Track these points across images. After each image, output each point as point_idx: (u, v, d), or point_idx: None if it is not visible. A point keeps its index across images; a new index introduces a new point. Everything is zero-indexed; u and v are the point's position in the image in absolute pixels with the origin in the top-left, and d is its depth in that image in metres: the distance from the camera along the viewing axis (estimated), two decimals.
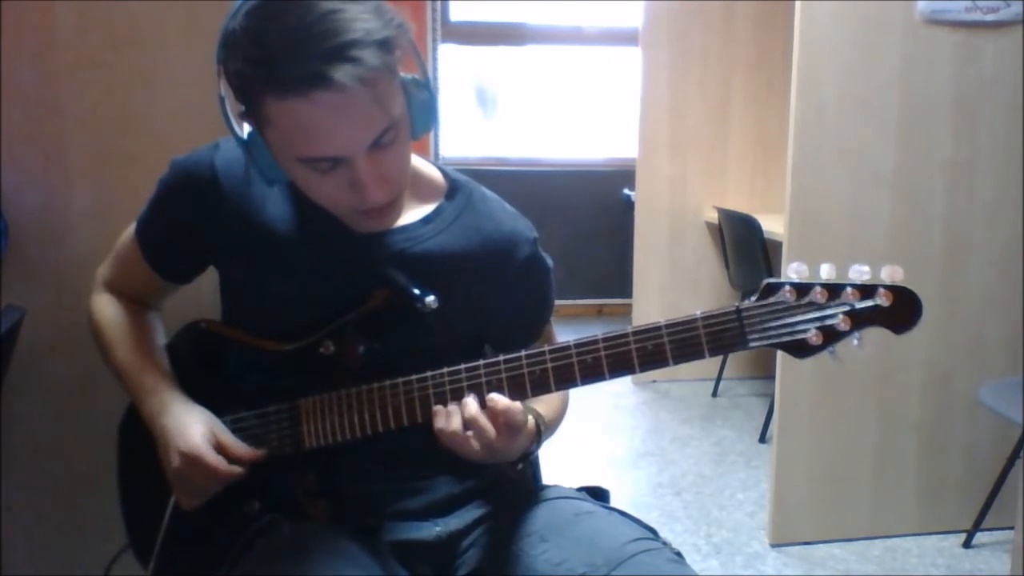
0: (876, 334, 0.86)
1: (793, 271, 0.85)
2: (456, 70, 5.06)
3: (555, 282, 1.13)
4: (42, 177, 1.39)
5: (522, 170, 4.99)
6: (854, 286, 0.84)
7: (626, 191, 4.54)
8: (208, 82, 0.93)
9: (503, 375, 0.91)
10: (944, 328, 2.17)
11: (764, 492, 2.55)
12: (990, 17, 2.05)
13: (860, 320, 0.84)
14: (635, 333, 0.88)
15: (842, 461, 2.23)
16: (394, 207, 0.97)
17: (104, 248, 1.17)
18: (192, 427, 0.96)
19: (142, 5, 1.37)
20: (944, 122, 2.10)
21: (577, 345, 0.89)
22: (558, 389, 0.91)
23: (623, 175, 4.52)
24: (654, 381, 3.76)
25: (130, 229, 1.13)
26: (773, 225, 2.88)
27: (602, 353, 0.88)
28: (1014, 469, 2.12)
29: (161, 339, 1.13)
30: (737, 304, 0.86)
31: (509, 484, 1.10)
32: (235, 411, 1.02)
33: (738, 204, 3.53)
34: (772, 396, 2.34)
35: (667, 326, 0.87)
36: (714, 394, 3.60)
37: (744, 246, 3.15)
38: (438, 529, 1.02)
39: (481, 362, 0.92)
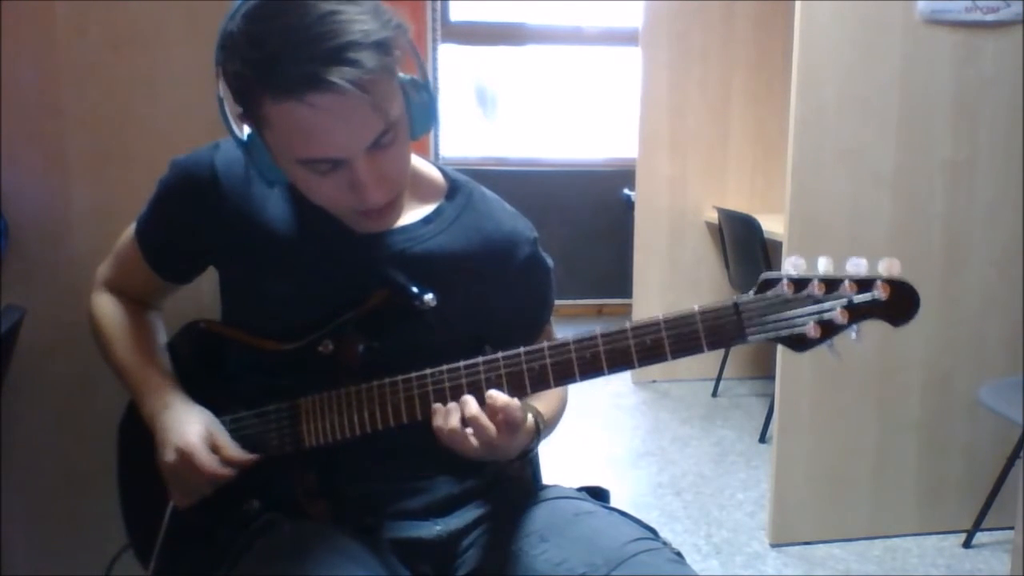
0: (876, 334, 0.86)
1: (791, 265, 0.85)
2: (456, 70, 5.06)
3: (555, 282, 1.14)
4: (42, 177, 1.40)
5: (522, 170, 4.99)
6: (852, 279, 0.84)
7: (626, 191, 4.54)
8: (208, 83, 0.93)
9: (502, 372, 0.91)
10: (944, 328, 2.17)
11: (764, 492, 2.55)
12: (990, 17, 2.05)
13: (858, 313, 0.84)
14: (633, 328, 0.88)
15: (842, 461, 2.23)
16: (394, 207, 0.97)
17: (104, 248, 1.18)
18: (190, 425, 0.97)
19: (142, 5, 1.37)
20: (944, 122, 2.10)
21: (576, 341, 0.90)
22: (557, 385, 0.91)
23: (623, 175, 4.52)
24: (654, 381, 3.76)
25: (130, 229, 1.13)
26: (773, 225, 2.88)
27: (600, 348, 0.88)
28: (1014, 469, 2.12)
29: (162, 338, 1.14)
30: (736, 298, 0.86)
31: (509, 484, 1.10)
32: (235, 411, 1.02)
33: (738, 204, 3.53)
34: (772, 396, 2.34)
35: (665, 321, 0.87)
36: (714, 394, 3.60)
37: (744, 246, 3.15)
38: (438, 528, 1.02)
39: (480, 359, 0.92)
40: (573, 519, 0.99)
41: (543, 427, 1.01)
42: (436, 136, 4.85)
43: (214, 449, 0.96)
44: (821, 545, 2.24)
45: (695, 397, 3.58)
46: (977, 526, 2.22)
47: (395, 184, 0.94)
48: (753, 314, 0.86)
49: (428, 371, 0.93)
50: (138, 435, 1.04)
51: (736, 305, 0.86)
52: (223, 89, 0.90)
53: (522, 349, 0.91)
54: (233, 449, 0.97)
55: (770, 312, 0.86)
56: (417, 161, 1.06)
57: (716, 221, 3.46)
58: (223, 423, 1.01)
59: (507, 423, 0.89)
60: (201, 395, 1.03)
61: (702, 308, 0.87)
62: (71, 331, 1.33)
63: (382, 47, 0.83)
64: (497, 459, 0.94)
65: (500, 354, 0.92)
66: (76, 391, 1.43)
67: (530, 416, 0.97)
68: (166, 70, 1.39)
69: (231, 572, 0.92)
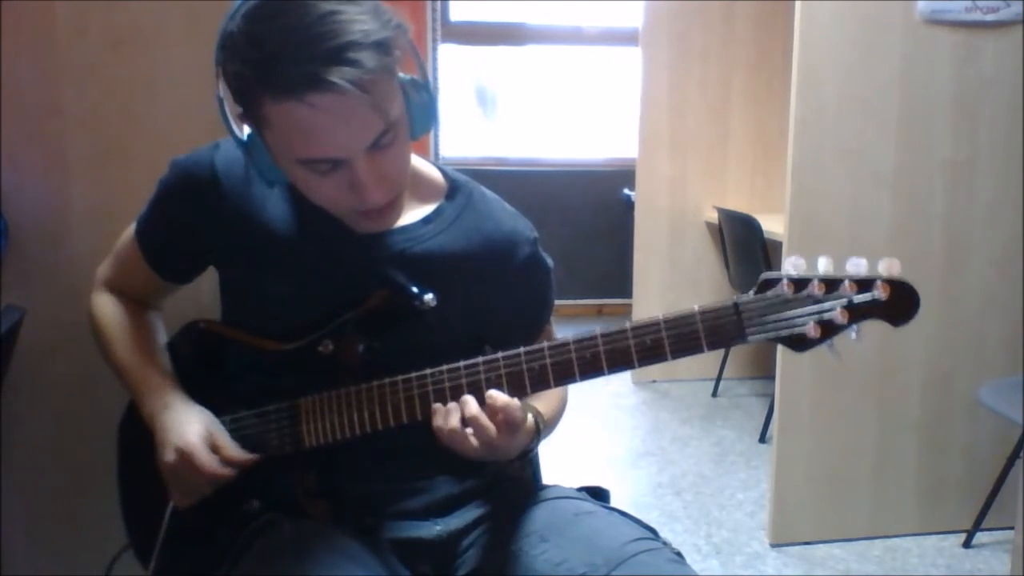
0: (876, 334, 0.86)
1: (791, 265, 0.85)
2: (456, 70, 5.06)
3: (555, 282, 1.14)
4: (42, 177, 1.40)
5: (522, 170, 4.99)
6: (851, 279, 0.84)
7: (626, 191, 4.54)
8: (208, 83, 0.93)
9: (502, 372, 0.91)
10: (944, 328, 2.17)
11: (764, 492, 2.55)
12: (990, 17, 2.05)
13: (858, 313, 0.84)
14: (633, 328, 0.88)
15: (842, 461, 2.23)
16: (394, 207, 0.97)
17: (104, 248, 1.18)
18: (190, 425, 0.97)
19: (142, 5, 1.37)
20: (944, 122, 2.10)
21: (576, 341, 0.89)
22: (557, 385, 0.91)
23: (623, 175, 4.52)
24: (654, 381, 3.76)
25: (130, 229, 1.13)
26: (773, 225, 2.88)
27: (600, 348, 0.88)
28: (1014, 469, 2.12)
29: (162, 338, 1.14)
30: (735, 298, 0.86)
31: (509, 484, 1.10)
32: (235, 410, 1.02)
33: (738, 204, 3.53)
34: (772, 396, 2.34)
35: (665, 321, 0.87)
36: (714, 394, 3.60)
37: (744, 246, 3.15)
38: (438, 528, 1.02)
39: (480, 359, 0.92)
40: (573, 519, 0.99)
41: (543, 427, 1.01)
42: (436, 136, 4.85)
43: (214, 449, 0.96)
44: (821, 545, 2.24)
45: (695, 397, 3.58)
46: (977, 526, 2.22)
47: (395, 184, 0.94)
48: (753, 314, 0.86)
49: (428, 371, 0.93)
50: (138, 435, 1.04)
51: (736, 305, 0.86)
52: (223, 89, 0.90)
53: (522, 349, 0.91)
54: (233, 449, 0.97)
55: (770, 312, 0.85)
56: (417, 161, 1.06)
57: (716, 221, 3.46)
58: (223, 423, 1.01)
59: (507, 423, 0.89)
60: (201, 395, 1.03)
61: (702, 308, 0.87)
62: (71, 331, 1.33)
63: (382, 47, 0.83)
64: (497, 459, 0.94)
65: (500, 354, 0.92)
66: (76, 391, 1.43)
67: (530, 416, 0.97)
68: (166, 70, 1.39)
69: (231, 572, 0.92)
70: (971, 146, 2.12)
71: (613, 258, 4.75)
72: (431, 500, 1.04)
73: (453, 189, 1.08)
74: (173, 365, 1.09)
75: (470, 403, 0.89)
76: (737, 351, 3.65)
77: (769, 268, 2.90)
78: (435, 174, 1.09)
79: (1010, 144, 2.12)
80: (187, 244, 1.08)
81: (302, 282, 1.02)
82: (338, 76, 0.80)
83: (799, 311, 0.85)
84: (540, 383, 0.90)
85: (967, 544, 2.22)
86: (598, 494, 1.08)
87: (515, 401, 0.89)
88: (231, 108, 0.92)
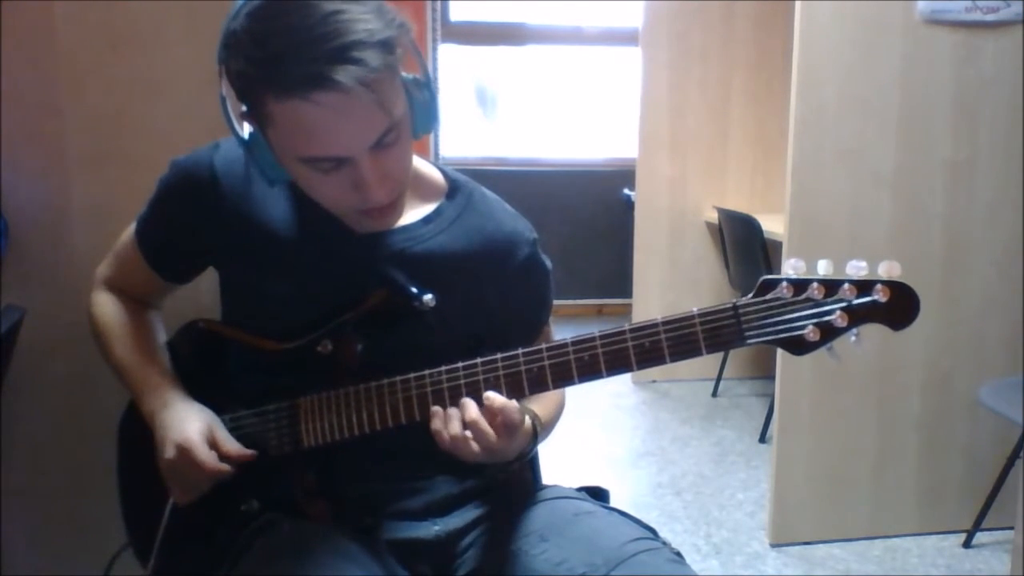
0: (876, 334, 0.86)
1: (791, 267, 0.85)
2: (456, 70, 5.06)
3: (554, 283, 1.14)
4: (42, 177, 1.40)
5: (522, 170, 4.99)
6: (851, 282, 0.84)
7: (626, 191, 4.54)
8: (208, 82, 0.93)
9: (500, 373, 0.91)
10: (944, 328, 2.17)
11: (764, 492, 2.55)
12: (990, 17, 2.05)
13: (857, 316, 0.84)
14: (632, 330, 0.88)
15: (842, 461, 2.23)
16: (395, 207, 0.97)
17: (104, 247, 1.18)
18: (189, 422, 0.97)
19: (142, 5, 1.37)
20: (944, 122, 2.10)
21: (574, 343, 0.89)
22: (556, 387, 0.91)
23: (623, 175, 4.52)
24: (654, 381, 3.76)
25: (130, 229, 1.13)
26: (773, 225, 2.88)
27: (599, 351, 0.88)
28: (1014, 469, 2.12)
29: (162, 337, 1.14)
30: (734, 301, 0.86)
31: (509, 484, 1.10)
32: (234, 410, 1.02)
33: (738, 204, 3.53)
34: (772, 396, 2.34)
35: (664, 323, 0.87)
36: (714, 394, 3.60)
37: (744, 246, 3.15)
38: (436, 529, 1.03)
39: (479, 360, 0.92)
40: (573, 519, 0.99)
41: (540, 430, 1.01)
42: (436, 136, 4.86)
43: (213, 445, 0.96)
44: (821, 545, 2.24)
45: (695, 397, 3.58)
46: (977, 526, 2.22)
47: (398, 183, 0.94)
48: (752, 317, 0.86)
49: (427, 372, 0.93)
50: (138, 434, 1.04)
51: (735, 308, 0.86)
52: (226, 88, 0.90)
53: (520, 350, 0.91)
54: (232, 445, 0.97)
55: (769, 315, 0.85)
56: (417, 161, 1.06)
57: (716, 221, 3.46)
58: (223, 422, 1.01)
59: (505, 425, 0.89)
60: (201, 394, 1.03)
61: (701, 311, 0.86)
62: (71, 331, 1.33)
63: (386, 46, 0.83)
64: (495, 462, 0.94)
65: (499, 355, 0.92)
66: (76, 391, 1.43)
67: (527, 419, 0.97)
68: (166, 70, 1.39)
69: (230, 572, 0.92)
70: (971, 146, 2.11)
71: (613, 258, 4.75)
72: (430, 500, 1.04)
73: (453, 189, 1.08)
74: (173, 364, 1.09)
75: (470, 407, 0.89)
76: (737, 351, 3.65)
77: (769, 268, 2.91)
78: (435, 174, 1.09)
79: (1010, 144, 2.12)
80: (187, 244, 1.08)
81: (302, 282, 1.02)
82: (343, 75, 0.80)
83: (798, 314, 0.85)
84: (538, 385, 0.90)
85: (967, 544, 2.22)
86: (598, 494, 1.08)
87: (513, 403, 0.89)
88: (233, 107, 0.93)
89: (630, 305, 3.85)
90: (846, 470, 2.24)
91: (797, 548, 2.23)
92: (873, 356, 2.17)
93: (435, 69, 4.85)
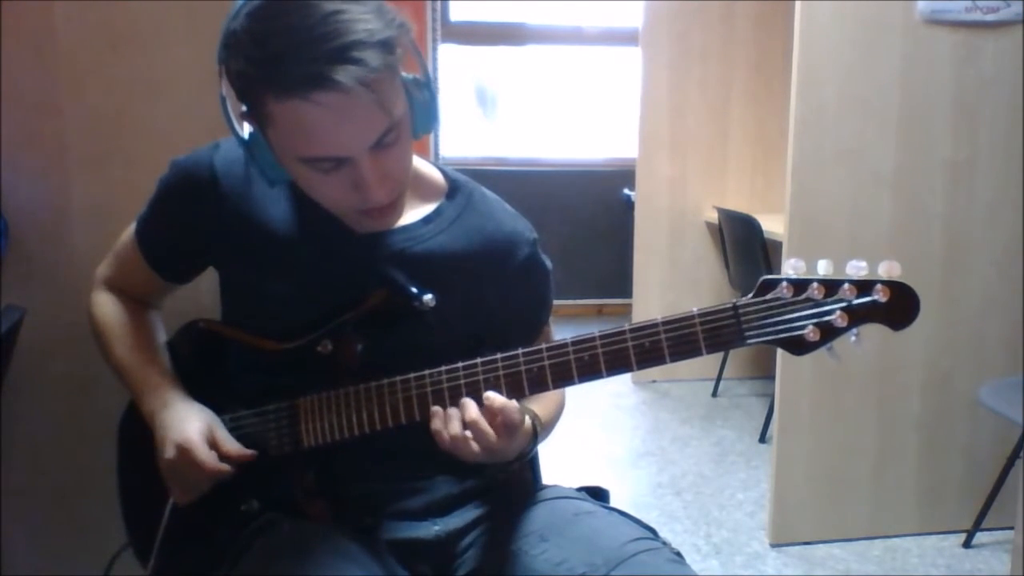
0: (876, 334, 0.86)
1: (790, 267, 0.85)
2: (456, 70, 5.06)
3: (554, 283, 1.14)
4: (42, 177, 1.40)
5: (522, 170, 4.99)
6: (851, 282, 0.84)
7: (626, 191, 4.54)
8: (208, 82, 0.93)
9: (500, 373, 0.91)
10: (944, 328, 2.17)
11: (764, 492, 2.55)
12: (990, 17, 2.05)
13: (857, 316, 0.84)
14: (632, 330, 0.88)
15: (842, 461, 2.23)
16: (396, 207, 0.97)
17: (104, 247, 1.18)
18: (189, 422, 0.97)
19: (142, 5, 1.37)
20: (944, 122, 2.10)
21: (574, 343, 0.89)
22: (556, 387, 0.91)
23: (623, 175, 4.52)
24: (654, 381, 3.76)
25: (130, 229, 1.13)
26: (773, 225, 2.88)
27: (599, 351, 0.88)
28: (1014, 469, 2.12)
29: (162, 337, 1.14)
30: (734, 301, 0.86)
31: (508, 484, 1.10)
32: (234, 410, 1.02)
33: (738, 204, 3.53)
34: (772, 396, 2.34)
35: (664, 323, 0.87)
36: (714, 394, 3.60)
37: (744, 246, 3.15)
38: (436, 528, 1.03)
39: (479, 360, 0.92)
40: (573, 519, 0.99)
41: (540, 430, 1.01)
42: (436, 136, 4.86)
43: (213, 445, 0.96)
44: (821, 545, 2.24)
45: (695, 397, 3.58)
46: (977, 526, 2.22)
47: (398, 183, 0.94)
48: (752, 317, 0.85)
49: (427, 372, 0.93)
50: (138, 434, 1.04)
51: (735, 308, 0.86)
52: (226, 88, 0.90)
53: (520, 350, 0.91)
54: (231, 445, 0.97)
55: (769, 315, 0.85)
56: (417, 161, 1.06)
57: (716, 221, 3.46)
58: (223, 422, 1.01)
59: (505, 425, 0.89)
60: (201, 394, 1.03)
61: (701, 311, 0.86)
62: (71, 331, 1.33)
63: (386, 46, 0.83)
64: (495, 462, 0.94)
65: (499, 355, 0.92)
66: (76, 391, 1.43)
67: (527, 419, 0.97)
68: (166, 70, 1.39)
69: (230, 572, 0.92)
70: (971, 146, 2.11)
71: (613, 258, 4.75)
72: (430, 500, 1.04)
73: (453, 189, 1.08)
74: (173, 364, 1.09)
75: (470, 407, 0.89)
76: (737, 351, 3.65)
77: (769, 268, 2.91)
78: (435, 174, 1.09)
79: (1010, 144, 2.12)
80: (187, 244, 1.08)
81: (302, 282, 1.02)
82: (343, 75, 0.80)
83: (798, 314, 0.85)
84: (538, 385, 0.90)
85: (967, 544, 2.22)
86: (598, 494, 1.08)
87: (513, 403, 0.89)
88: (233, 107, 0.93)
89: (630, 305, 3.85)
90: (846, 470, 2.24)
91: (797, 548, 2.23)
92: (873, 356, 2.17)
93: (435, 69, 4.85)
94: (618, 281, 4.58)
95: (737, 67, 3.61)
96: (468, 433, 0.89)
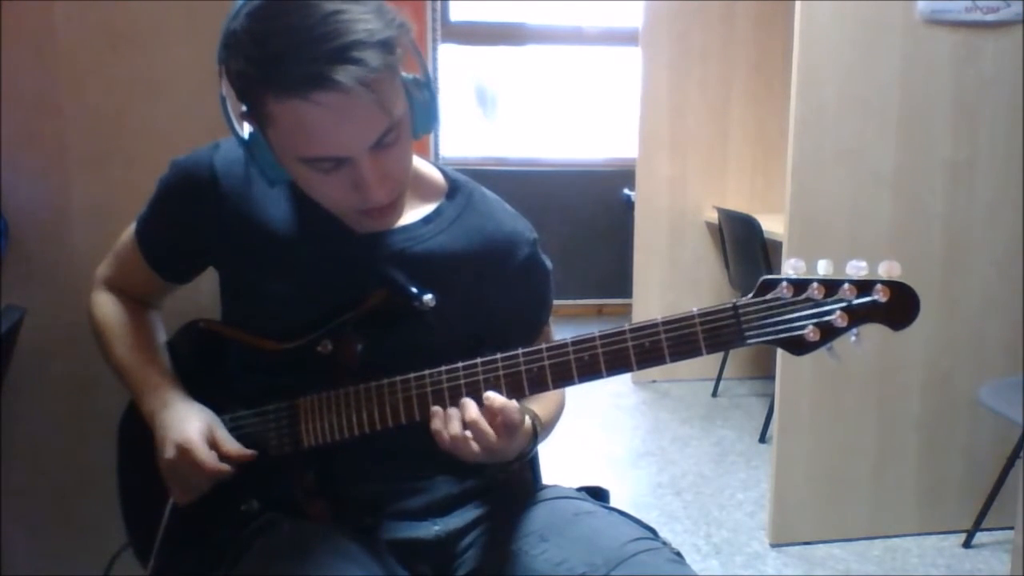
0: (876, 334, 0.86)
1: (790, 267, 0.85)
2: (456, 70, 5.06)
3: (554, 283, 1.14)
4: (42, 177, 1.40)
5: (522, 170, 4.99)
6: (851, 282, 0.84)
7: (626, 191, 4.54)
8: (208, 82, 0.93)
9: (500, 373, 0.91)
10: (944, 328, 2.17)
11: (764, 492, 2.55)
12: (990, 17, 2.05)
13: (857, 316, 0.84)
14: (632, 330, 0.88)
15: (842, 461, 2.23)
16: (396, 207, 0.97)
17: (104, 247, 1.18)
18: (189, 422, 0.97)
19: (142, 5, 1.37)
20: (944, 122, 2.10)
21: (574, 343, 0.89)
22: (556, 387, 0.91)
23: (623, 175, 4.52)
24: (654, 381, 3.76)
25: (130, 228, 1.13)
26: (773, 225, 2.88)
27: (599, 351, 0.88)
28: (1014, 469, 2.12)
29: (162, 337, 1.14)
30: (734, 301, 0.86)
31: (508, 484, 1.10)
32: (234, 410, 1.02)
33: (738, 204, 3.53)
34: (772, 396, 2.34)
35: (664, 323, 0.87)
36: (714, 394, 3.60)
37: (744, 246, 3.15)
38: (436, 528, 1.03)
39: (479, 360, 0.92)
40: (573, 519, 0.99)
41: (540, 430, 1.01)
42: (436, 136, 4.86)
43: (213, 445, 0.96)
44: (821, 545, 2.24)
45: (695, 397, 3.58)
46: (977, 526, 2.22)
47: (398, 183, 0.94)
48: (752, 317, 0.86)
49: (427, 372, 0.93)
50: (138, 434, 1.04)
51: (735, 308, 0.86)
52: (226, 88, 0.90)
53: (520, 350, 0.91)
54: (231, 445, 0.97)
55: (769, 315, 0.85)
56: (417, 161, 1.06)
57: (716, 221, 3.46)
58: (223, 422, 1.01)
59: (505, 425, 0.89)
60: (201, 394, 1.03)
61: (701, 311, 0.86)
62: (71, 331, 1.33)
63: (386, 46, 0.83)
64: (495, 462, 0.94)
65: (499, 355, 0.92)
66: (76, 391, 1.43)
67: (527, 419, 0.97)
68: (166, 70, 1.39)
69: (230, 571, 0.92)
70: (971, 146, 2.12)
71: (613, 258, 4.75)
72: (430, 500, 1.04)
73: (453, 189, 1.08)
74: (173, 364, 1.09)
75: (470, 407, 0.89)
76: (737, 351, 3.65)
77: (769, 268, 2.91)
78: (435, 174, 1.09)
79: (1010, 144, 2.12)
80: (187, 244, 1.08)
81: (302, 282, 1.02)
82: (343, 75, 0.80)
83: (798, 314, 0.85)
84: (538, 385, 0.90)
85: (967, 544, 2.22)
86: (598, 494, 1.08)
87: (513, 403, 0.89)
88: (233, 107, 0.93)
89: (630, 305, 3.85)
90: (846, 470, 2.24)
91: (797, 548, 2.23)
92: (873, 356, 2.17)
93: (435, 69, 4.85)
94: (618, 281, 4.58)
95: (737, 67, 3.61)
96: (468, 433, 0.89)
